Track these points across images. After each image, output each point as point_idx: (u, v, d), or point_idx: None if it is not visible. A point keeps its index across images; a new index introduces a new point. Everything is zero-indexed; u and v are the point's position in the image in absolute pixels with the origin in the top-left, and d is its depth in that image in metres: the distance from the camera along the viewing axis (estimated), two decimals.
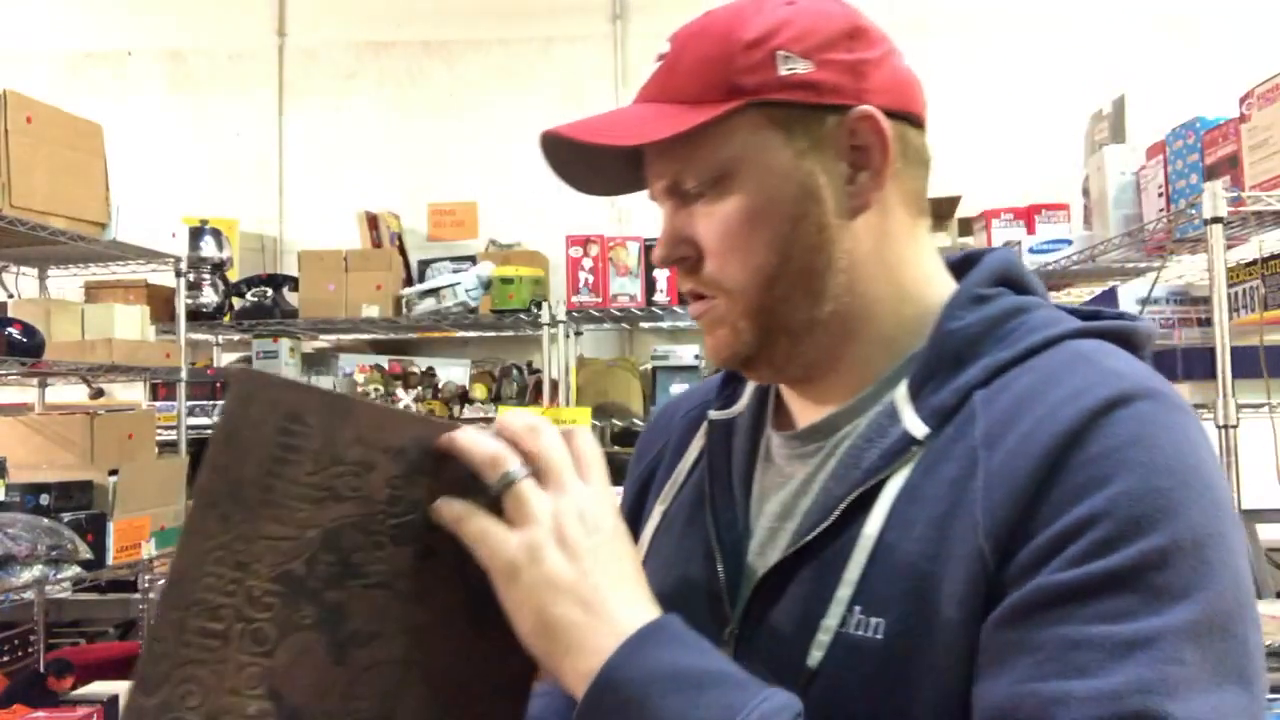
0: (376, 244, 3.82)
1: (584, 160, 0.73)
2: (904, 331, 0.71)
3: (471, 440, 0.60)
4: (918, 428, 0.66)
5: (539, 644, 0.59)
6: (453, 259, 3.85)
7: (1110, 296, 2.45)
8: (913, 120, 0.72)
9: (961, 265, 0.76)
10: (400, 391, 3.41)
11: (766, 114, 0.68)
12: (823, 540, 0.66)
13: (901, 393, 0.68)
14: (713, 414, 0.82)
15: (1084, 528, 0.57)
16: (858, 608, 0.63)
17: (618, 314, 3.35)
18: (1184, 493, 0.57)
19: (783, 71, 0.67)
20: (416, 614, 0.58)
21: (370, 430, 0.58)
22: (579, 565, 0.59)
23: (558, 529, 0.59)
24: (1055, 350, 0.66)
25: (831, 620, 0.63)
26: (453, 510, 0.59)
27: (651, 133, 0.68)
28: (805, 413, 0.75)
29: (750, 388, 0.82)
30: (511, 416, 0.62)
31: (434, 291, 3.39)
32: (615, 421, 3.40)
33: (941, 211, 3.33)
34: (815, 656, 0.63)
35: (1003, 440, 0.62)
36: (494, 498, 0.60)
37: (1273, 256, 2.29)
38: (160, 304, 3.40)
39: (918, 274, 0.73)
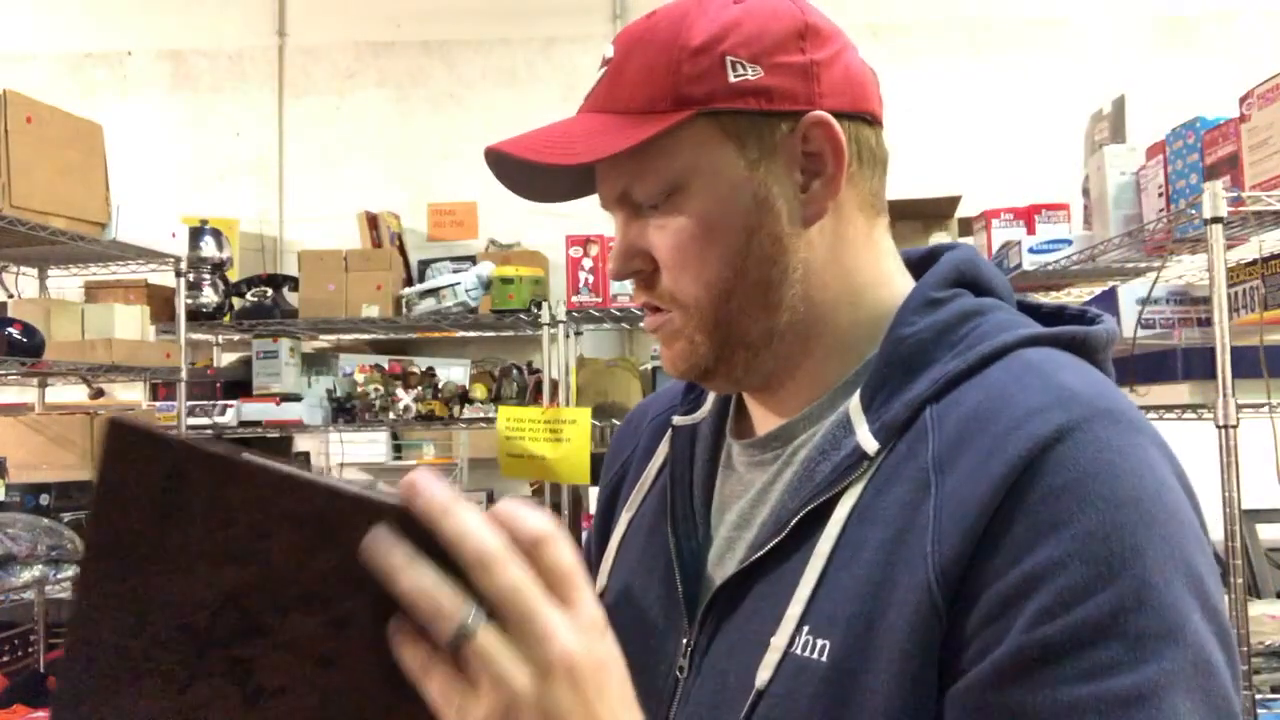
0: (376, 244, 3.82)
1: (532, 172, 0.71)
2: (859, 336, 0.70)
3: (407, 572, 0.45)
4: (869, 443, 0.64)
5: None
6: (453, 259, 3.85)
7: (1110, 296, 2.45)
8: (868, 119, 0.70)
9: (923, 263, 0.74)
10: (400, 391, 3.41)
11: (717, 123, 0.66)
12: (777, 554, 0.64)
13: (855, 403, 0.66)
14: (676, 419, 0.81)
15: (1051, 573, 0.54)
16: (806, 628, 0.61)
17: (618, 314, 3.35)
18: (1149, 526, 0.55)
19: (732, 79, 0.65)
20: (330, 677, 0.52)
21: (264, 495, 0.52)
22: None
23: (539, 702, 0.44)
24: (1007, 361, 0.64)
25: (780, 639, 0.62)
26: (409, 661, 0.46)
27: (599, 148, 0.65)
28: (764, 420, 0.74)
29: (712, 395, 0.81)
30: (462, 529, 0.45)
31: (434, 291, 3.39)
32: (615, 421, 3.40)
33: (941, 211, 3.33)
34: (763, 676, 0.62)
35: (954, 464, 0.60)
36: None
37: (1273, 256, 2.29)
38: (160, 304, 3.40)
39: (873, 276, 0.71)
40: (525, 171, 0.72)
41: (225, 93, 4.33)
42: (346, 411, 3.47)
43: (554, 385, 3.25)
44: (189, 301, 3.32)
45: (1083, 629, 0.53)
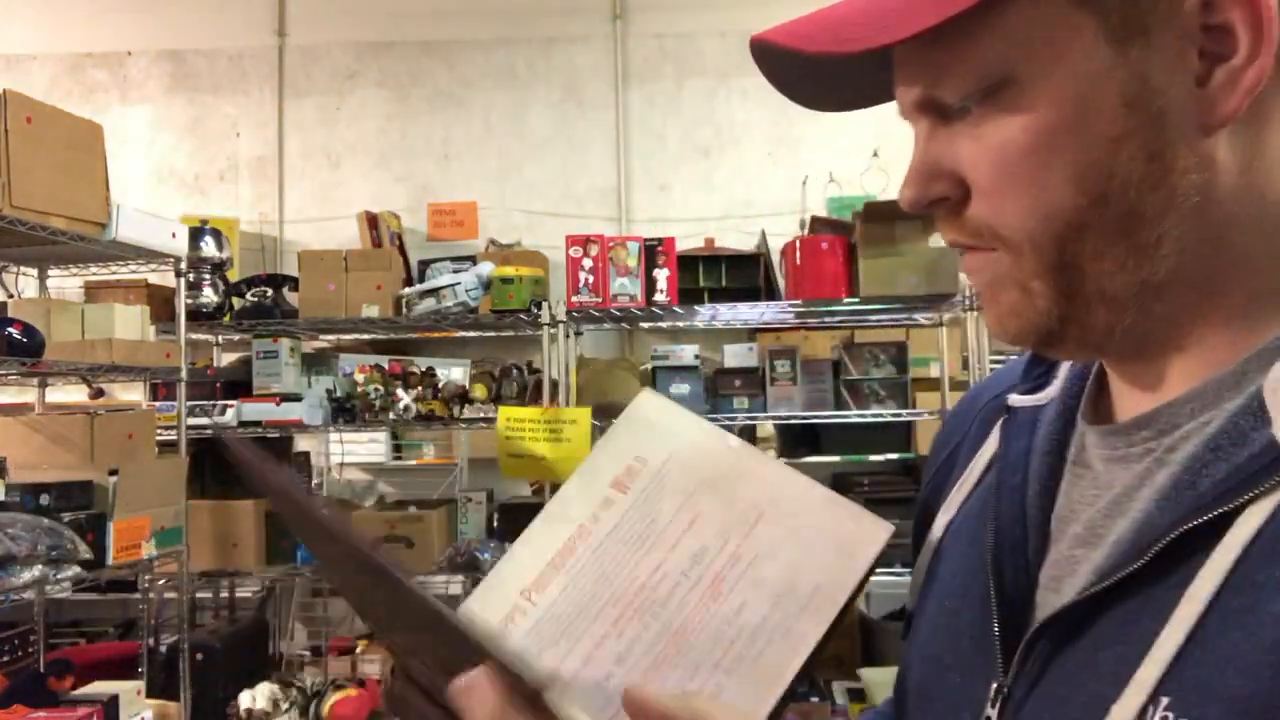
0: (376, 244, 3.82)
1: (808, 69, 0.54)
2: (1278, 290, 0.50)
3: None
4: None
5: None
6: (453, 259, 3.85)
7: None
8: None
9: None
10: (400, 391, 3.41)
11: None
12: (1133, 587, 0.47)
13: (1274, 379, 0.47)
14: (1013, 399, 0.63)
15: None
16: (1165, 700, 0.44)
17: (618, 314, 3.35)
18: None
19: None
20: None
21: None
22: None
23: None
24: None
25: (1125, 711, 0.45)
26: None
27: (894, 28, 0.47)
28: (1133, 400, 0.54)
29: (1065, 367, 0.62)
30: None
31: (434, 291, 3.39)
32: (615, 422, 3.40)
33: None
34: None
35: None
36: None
37: None
38: (160, 304, 3.40)
39: None
40: (799, 68, 0.53)
41: (225, 93, 4.33)
42: (346, 411, 3.47)
43: (554, 385, 3.25)
44: (189, 301, 3.32)
45: None
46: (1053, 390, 0.61)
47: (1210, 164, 0.48)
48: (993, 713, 0.53)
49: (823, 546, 0.58)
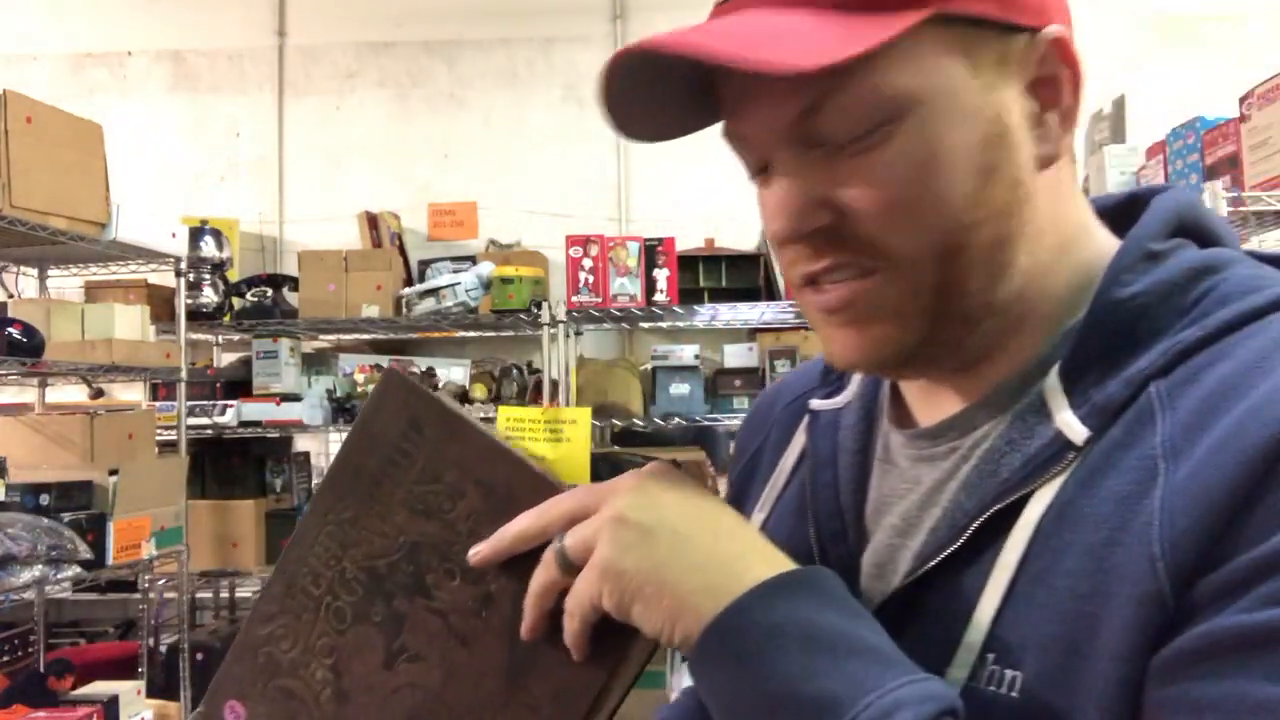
0: (376, 244, 3.82)
1: (645, 90, 0.55)
2: (1062, 306, 0.56)
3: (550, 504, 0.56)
4: (1075, 429, 0.51)
5: (655, 609, 0.51)
6: (453, 259, 3.85)
7: None
8: None
9: (1122, 212, 0.60)
10: None
11: (949, 31, 0.51)
12: (951, 566, 0.53)
13: (1053, 382, 0.54)
14: (815, 403, 0.69)
15: None
16: (990, 656, 0.50)
17: (618, 314, 3.35)
18: None
19: None
20: (460, 655, 0.58)
21: (471, 458, 0.59)
22: (694, 527, 0.52)
23: (609, 547, 0.52)
24: (1262, 326, 0.51)
25: (958, 671, 0.51)
26: (539, 580, 0.54)
27: (813, 53, 0.48)
28: (931, 405, 0.61)
29: (857, 374, 0.68)
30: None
31: (434, 291, 3.39)
32: (615, 421, 3.40)
33: None
34: None
35: (1191, 448, 0.47)
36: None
37: None
38: (160, 304, 3.40)
39: (1078, 231, 0.58)
40: (638, 90, 0.55)
41: (225, 93, 4.33)
42: (346, 411, 3.47)
43: (554, 385, 3.25)
44: (189, 301, 3.32)
45: None
46: (849, 395, 0.67)
47: (1039, 196, 0.55)
48: None
49: None
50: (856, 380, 0.68)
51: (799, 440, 0.69)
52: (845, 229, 0.53)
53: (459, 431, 0.60)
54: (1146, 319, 0.53)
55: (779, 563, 0.51)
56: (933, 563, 0.54)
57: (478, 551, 0.57)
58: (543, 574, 0.54)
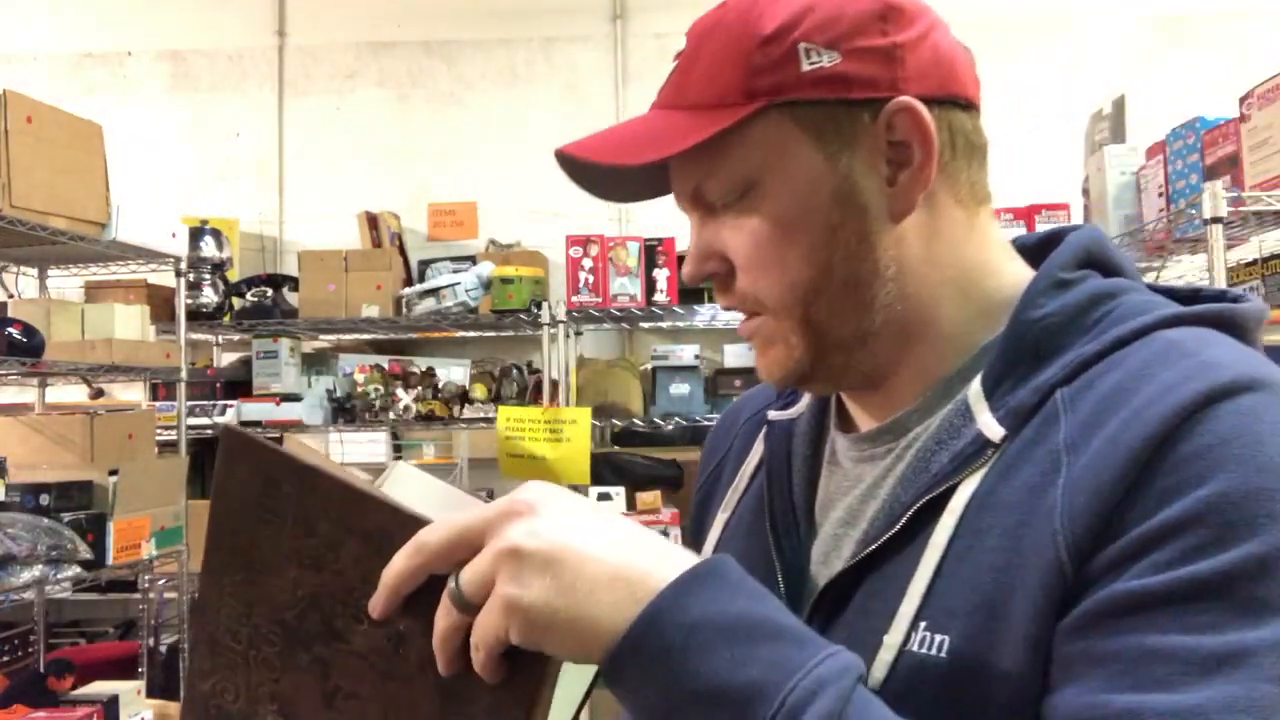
0: (376, 244, 3.82)
1: (604, 173, 0.67)
2: (971, 327, 0.66)
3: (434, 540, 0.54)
4: (993, 429, 0.60)
5: (569, 637, 0.51)
6: (453, 259, 3.85)
7: None
8: (961, 104, 0.65)
9: (1042, 247, 0.69)
10: (400, 391, 3.41)
11: (792, 115, 0.62)
12: (889, 550, 0.61)
13: (975, 390, 0.63)
14: (772, 414, 0.78)
15: (1173, 531, 0.51)
16: (923, 623, 0.58)
17: (618, 314, 3.35)
18: None
19: (806, 67, 0.61)
20: (391, 687, 0.57)
21: (335, 508, 0.58)
22: (592, 539, 0.52)
23: (511, 581, 0.51)
24: (1147, 342, 0.60)
25: (894, 637, 0.59)
26: (442, 623, 0.53)
27: (664, 147, 0.62)
28: (870, 414, 0.71)
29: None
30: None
31: (434, 291, 3.39)
32: (615, 421, 3.40)
33: None
34: (877, 676, 0.58)
35: (1087, 444, 0.56)
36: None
37: (1273, 256, 2.29)
38: (160, 304, 3.40)
39: (980, 267, 0.67)
40: (598, 173, 0.68)
41: (225, 93, 4.33)
42: (346, 411, 3.47)
43: (554, 385, 3.25)
44: (189, 301, 3.32)
45: (1190, 584, 0.50)
46: (802, 405, 0.77)
47: (901, 243, 0.64)
48: None
49: None
50: (808, 395, 0.77)
51: (758, 448, 0.78)
52: (732, 281, 0.66)
53: (314, 483, 0.58)
54: (1055, 336, 0.62)
55: (681, 559, 0.53)
56: (873, 546, 0.62)
57: (374, 604, 0.56)
58: (444, 619, 0.53)
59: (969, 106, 0.66)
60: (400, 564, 0.54)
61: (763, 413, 0.80)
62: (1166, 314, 0.61)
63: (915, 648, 0.58)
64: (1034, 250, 0.70)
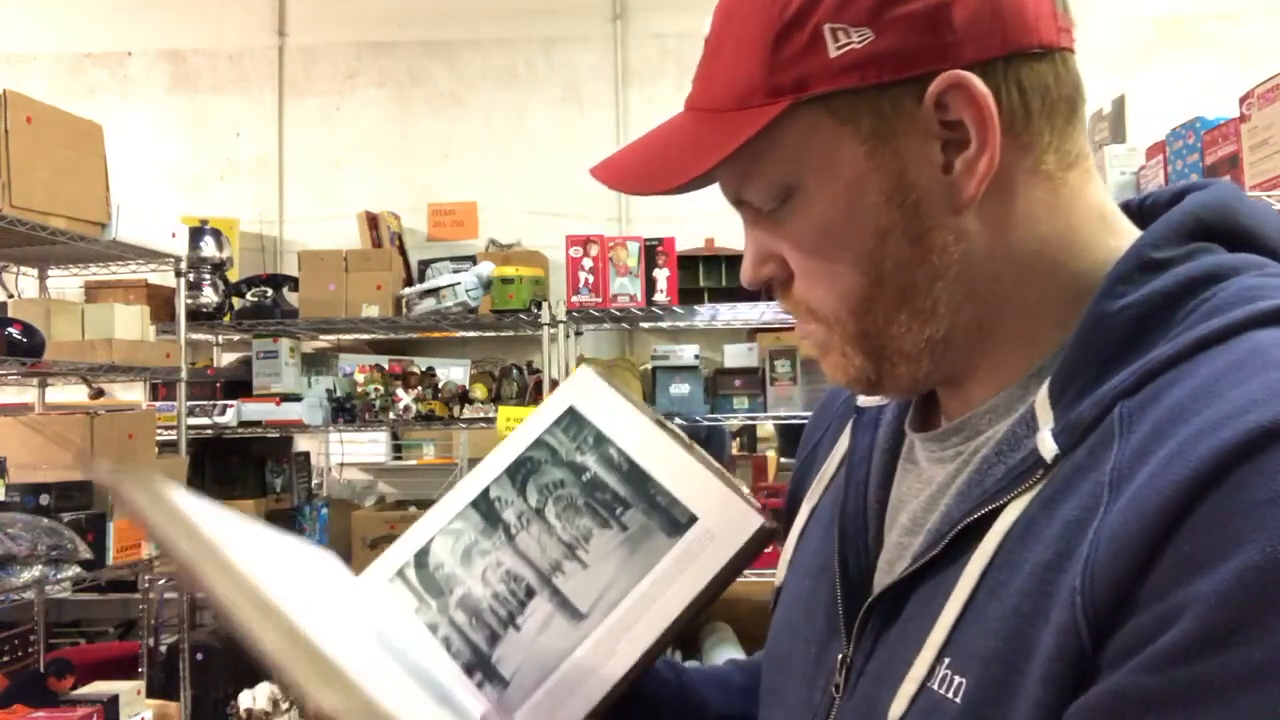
0: (376, 244, 3.82)
1: None
2: (1058, 317, 0.56)
3: None
4: (1047, 446, 0.51)
5: None
6: (453, 259, 3.85)
7: None
8: (1037, 53, 0.53)
9: (1161, 210, 0.58)
10: (400, 391, 3.41)
11: (826, 107, 0.54)
12: (933, 568, 0.55)
13: (1043, 395, 0.54)
14: (861, 400, 0.70)
15: (1181, 612, 0.42)
16: (946, 660, 0.52)
17: (618, 314, 3.35)
18: None
19: (834, 52, 0.53)
20: None
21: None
22: None
23: None
24: (1232, 345, 0.48)
25: (918, 670, 0.53)
26: None
27: (689, 167, 0.57)
28: (950, 409, 0.63)
29: None
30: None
31: (434, 291, 3.39)
32: None
33: None
34: (896, 710, 0.54)
35: (1133, 478, 0.46)
36: None
37: None
38: (160, 304, 3.40)
39: (1067, 247, 0.56)
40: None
41: (225, 93, 4.33)
42: (346, 411, 3.46)
43: (554, 385, 3.25)
44: (189, 301, 3.32)
45: (1182, 690, 0.42)
46: None
47: (965, 236, 0.55)
48: (840, 679, 0.61)
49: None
50: None
51: (847, 436, 0.72)
52: (789, 283, 0.61)
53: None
54: (1131, 334, 0.51)
55: None
56: (919, 563, 0.56)
57: None
58: None
59: (1047, 53, 0.54)
60: None
61: (855, 398, 0.72)
62: (1267, 307, 0.49)
63: (935, 685, 0.52)
64: (1162, 211, 0.58)
